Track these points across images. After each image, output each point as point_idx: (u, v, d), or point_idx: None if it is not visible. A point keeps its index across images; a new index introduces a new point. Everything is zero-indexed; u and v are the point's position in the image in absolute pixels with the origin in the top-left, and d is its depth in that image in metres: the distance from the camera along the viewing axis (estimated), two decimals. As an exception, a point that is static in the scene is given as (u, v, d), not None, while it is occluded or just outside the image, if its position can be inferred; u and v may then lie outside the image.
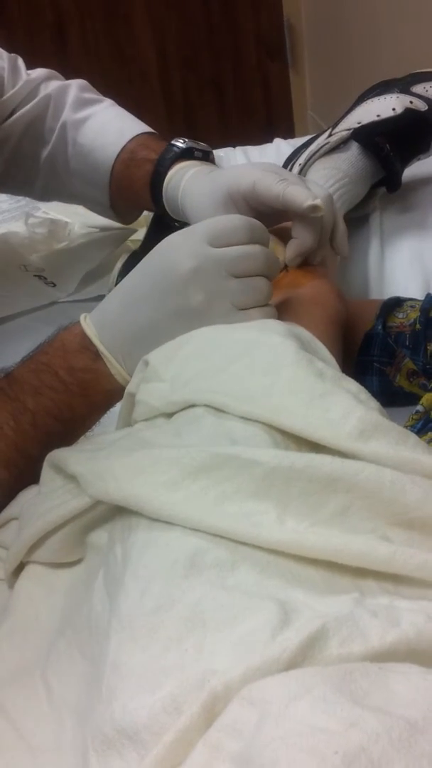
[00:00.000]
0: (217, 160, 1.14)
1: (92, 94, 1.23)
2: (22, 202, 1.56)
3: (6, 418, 0.75)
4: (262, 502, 0.56)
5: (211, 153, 1.11)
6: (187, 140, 1.10)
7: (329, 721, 0.39)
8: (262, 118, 3.41)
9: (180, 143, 1.09)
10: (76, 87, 1.22)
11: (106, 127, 1.19)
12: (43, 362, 0.78)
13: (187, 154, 1.09)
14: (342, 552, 0.52)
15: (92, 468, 0.62)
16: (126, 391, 0.74)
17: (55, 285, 1.29)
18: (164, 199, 1.08)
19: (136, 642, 0.49)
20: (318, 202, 0.86)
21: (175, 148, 1.09)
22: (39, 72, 1.23)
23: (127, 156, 1.15)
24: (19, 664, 0.58)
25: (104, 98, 1.24)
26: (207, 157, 1.10)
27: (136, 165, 1.13)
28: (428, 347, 0.87)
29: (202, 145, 1.11)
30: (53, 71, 1.25)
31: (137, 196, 1.14)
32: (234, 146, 1.71)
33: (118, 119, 1.21)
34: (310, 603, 0.50)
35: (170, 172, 1.07)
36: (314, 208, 0.86)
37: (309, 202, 0.86)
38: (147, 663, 0.48)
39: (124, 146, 1.15)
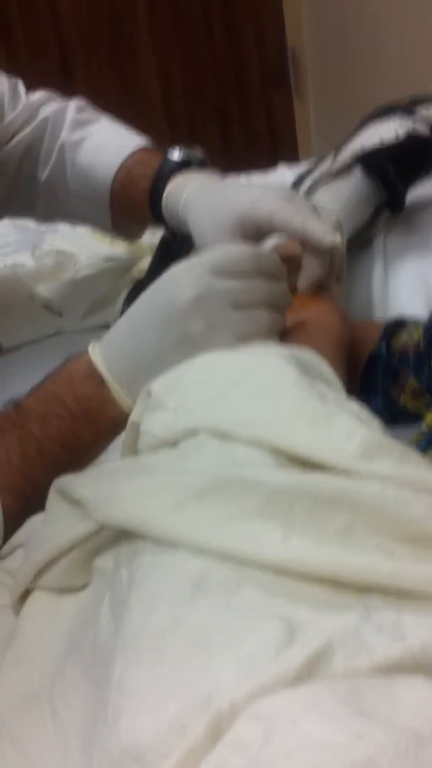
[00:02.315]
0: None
1: (89, 114, 1.23)
2: (29, 234, 1.57)
3: (12, 445, 0.75)
4: (266, 521, 0.56)
5: (208, 161, 1.11)
6: (182, 150, 1.09)
7: (336, 734, 0.39)
8: (267, 146, 3.43)
9: (175, 156, 1.09)
10: (73, 108, 1.22)
11: (103, 146, 1.18)
12: (50, 391, 0.79)
13: (183, 166, 1.08)
14: (347, 569, 0.52)
15: (97, 492, 0.62)
16: (129, 420, 0.74)
17: (61, 314, 1.30)
18: (164, 214, 1.08)
19: (141, 663, 0.49)
20: (338, 239, 0.86)
21: (171, 162, 1.08)
22: (38, 95, 1.23)
23: (125, 175, 1.15)
24: (26, 689, 0.57)
25: (101, 116, 1.24)
26: (204, 164, 1.10)
27: (133, 183, 1.13)
28: (432, 366, 0.87)
29: (198, 154, 1.10)
30: (52, 94, 1.25)
31: (138, 214, 1.14)
32: (239, 174, 1.73)
33: (114, 137, 1.20)
34: (315, 620, 0.50)
35: (168, 187, 1.07)
36: (334, 246, 0.86)
37: (329, 240, 0.86)
38: (152, 684, 0.48)
39: (121, 165, 1.15)
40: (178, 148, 1.10)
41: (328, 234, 0.86)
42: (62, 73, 3.02)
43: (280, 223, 0.90)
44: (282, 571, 0.54)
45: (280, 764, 0.38)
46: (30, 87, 1.25)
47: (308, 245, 0.89)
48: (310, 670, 0.45)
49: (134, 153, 1.16)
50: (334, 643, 0.46)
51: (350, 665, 0.45)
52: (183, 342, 0.75)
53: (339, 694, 0.41)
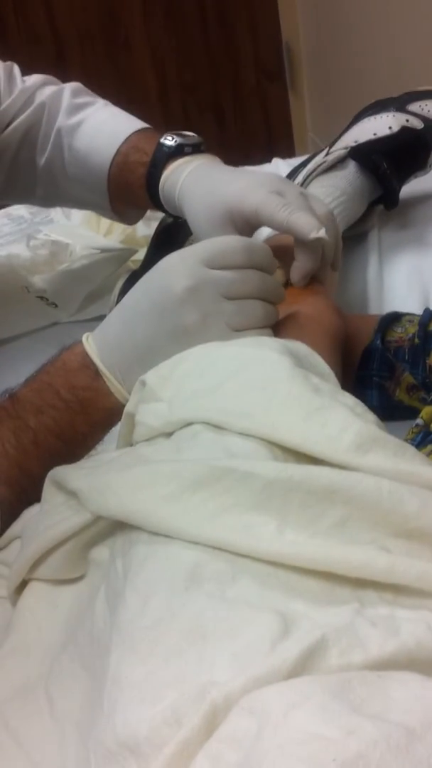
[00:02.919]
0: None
1: (85, 98, 1.22)
2: (24, 225, 1.57)
3: (8, 436, 0.75)
4: (261, 514, 0.56)
5: (202, 143, 1.10)
6: (175, 135, 1.09)
7: (327, 728, 0.39)
8: (263, 140, 3.43)
9: (169, 141, 1.08)
10: (69, 91, 1.21)
11: (100, 130, 1.18)
12: (45, 381, 0.79)
13: (178, 151, 1.08)
14: (341, 563, 0.52)
15: (92, 484, 0.62)
16: (125, 411, 0.74)
17: (56, 306, 1.30)
18: (162, 201, 1.08)
19: (136, 655, 0.49)
20: (322, 233, 0.86)
21: (165, 148, 1.08)
22: (34, 79, 1.22)
23: (121, 159, 1.14)
24: (23, 679, 0.58)
25: (97, 99, 1.23)
26: (198, 149, 1.09)
27: (129, 169, 1.13)
28: (427, 361, 0.87)
29: (192, 136, 1.10)
30: (49, 77, 1.24)
31: (136, 199, 1.14)
32: (234, 167, 1.72)
33: (110, 121, 1.20)
34: (310, 614, 0.50)
35: (164, 174, 1.06)
36: (319, 240, 0.86)
37: (314, 235, 0.85)
38: (147, 676, 0.48)
39: (118, 149, 1.14)
40: (172, 133, 1.09)
41: (313, 229, 0.86)
42: (57, 67, 2.97)
43: (266, 216, 0.89)
44: (277, 563, 0.54)
45: (272, 758, 0.38)
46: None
47: (295, 237, 0.89)
48: (304, 665, 0.45)
49: (130, 137, 1.15)
50: (328, 637, 0.46)
51: (344, 660, 0.45)
52: (177, 332, 0.75)
53: (331, 688, 0.41)
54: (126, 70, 3.17)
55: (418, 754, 0.37)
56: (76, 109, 1.20)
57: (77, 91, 1.23)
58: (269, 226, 0.91)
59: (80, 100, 1.21)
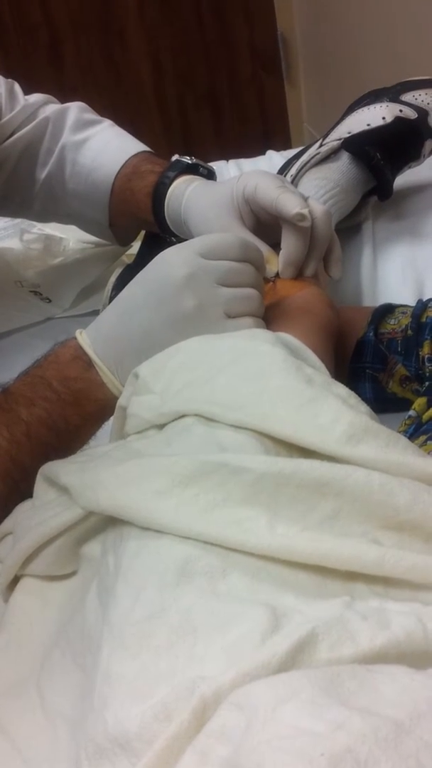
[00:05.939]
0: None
1: (91, 115, 1.25)
2: (18, 220, 1.56)
3: (0, 429, 0.75)
4: (251, 508, 0.56)
5: (215, 174, 1.12)
6: (193, 158, 1.11)
7: (316, 723, 0.39)
8: (258, 131, 3.42)
9: (187, 159, 1.11)
10: (75, 109, 1.23)
11: (107, 146, 1.20)
12: (38, 375, 0.80)
13: (192, 170, 1.10)
14: (332, 556, 0.52)
15: (83, 479, 0.62)
16: (117, 404, 0.75)
17: (50, 301, 1.30)
18: (166, 210, 1.09)
19: (127, 650, 0.49)
20: (305, 211, 0.87)
21: (183, 162, 1.10)
22: (36, 97, 1.24)
23: (130, 170, 1.16)
24: (14, 676, 0.58)
25: (103, 119, 1.25)
26: (211, 177, 1.11)
27: (139, 176, 1.14)
28: (420, 353, 0.87)
29: (209, 165, 1.12)
30: (50, 96, 1.26)
31: (138, 209, 1.14)
32: (227, 160, 1.72)
33: (118, 139, 1.22)
34: (300, 608, 0.50)
35: (174, 183, 1.08)
36: (301, 216, 0.87)
37: (297, 210, 0.87)
38: (138, 671, 0.48)
39: (126, 162, 1.16)
40: (189, 156, 1.12)
41: (298, 205, 0.87)
42: (52, 57, 3.00)
43: (262, 191, 0.91)
44: (268, 557, 0.54)
45: (260, 753, 0.38)
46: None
47: (281, 218, 0.90)
48: (294, 659, 0.45)
49: (139, 153, 1.18)
50: (318, 631, 0.46)
51: (334, 654, 0.45)
52: (175, 319, 0.76)
53: (319, 682, 0.41)
54: (121, 60, 3.15)
55: (406, 747, 0.37)
56: (83, 126, 1.22)
57: (83, 109, 1.25)
58: (264, 203, 0.92)
59: (87, 116, 1.24)
